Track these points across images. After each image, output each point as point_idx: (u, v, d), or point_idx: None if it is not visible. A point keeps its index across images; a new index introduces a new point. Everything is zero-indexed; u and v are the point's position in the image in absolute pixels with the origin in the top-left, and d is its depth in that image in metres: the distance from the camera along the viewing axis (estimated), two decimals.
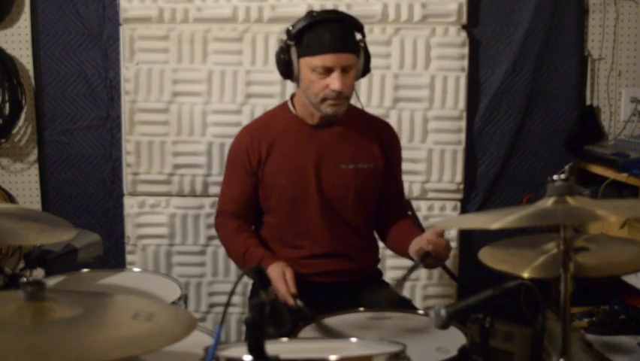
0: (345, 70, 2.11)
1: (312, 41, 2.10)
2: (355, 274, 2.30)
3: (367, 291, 2.25)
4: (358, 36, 2.18)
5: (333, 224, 2.26)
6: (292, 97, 2.31)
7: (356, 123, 2.29)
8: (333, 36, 2.09)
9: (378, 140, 2.30)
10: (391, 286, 2.12)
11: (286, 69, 2.17)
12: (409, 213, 2.40)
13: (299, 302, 2.01)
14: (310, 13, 2.13)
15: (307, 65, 2.12)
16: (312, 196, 2.23)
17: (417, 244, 2.09)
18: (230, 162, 2.33)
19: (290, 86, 2.98)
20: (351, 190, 2.26)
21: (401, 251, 2.24)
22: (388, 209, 2.37)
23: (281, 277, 2.06)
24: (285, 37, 2.15)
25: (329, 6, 2.97)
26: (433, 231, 2.07)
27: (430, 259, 2.05)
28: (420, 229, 2.29)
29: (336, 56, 2.09)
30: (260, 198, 2.30)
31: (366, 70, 2.22)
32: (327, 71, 2.10)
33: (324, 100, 2.15)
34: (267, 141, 2.25)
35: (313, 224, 2.24)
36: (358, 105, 2.34)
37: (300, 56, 2.12)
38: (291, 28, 2.13)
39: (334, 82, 2.10)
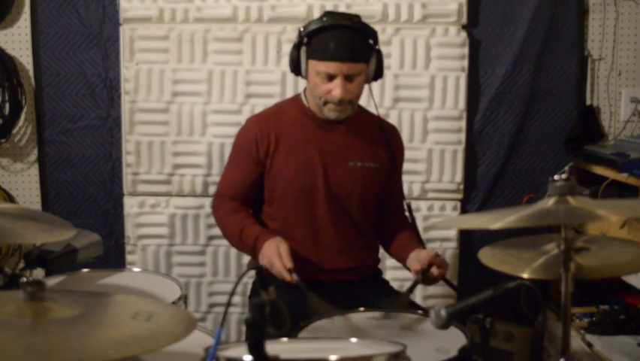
0: (349, 78, 2.13)
1: (319, 46, 2.12)
2: (356, 273, 2.31)
3: (370, 293, 2.26)
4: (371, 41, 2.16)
5: (338, 220, 2.26)
6: (305, 90, 2.31)
7: (365, 122, 2.32)
8: (339, 44, 2.09)
9: (386, 141, 2.32)
10: (401, 295, 2.13)
11: (295, 67, 2.21)
12: (408, 214, 2.41)
13: (294, 277, 2.00)
14: (322, 16, 2.13)
15: (313, 67, 2.15)
16: (319, 190, 2.24)
17: (414, 261, 2.15)
18: (236, 149, 2.33)
19: (290, 87, 2.99)
20: (357, 187, 2.26)
21: (402, 262, 2.28)
22: (389, 212, 2.38)
23: (275, 252, 2.06)
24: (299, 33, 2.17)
25: (329, 6, 2.97)
26: (431, 255, 2.11)
27: (428, 276, 2.09)
28: (417, 234, 2.34)
29: (340, 64, 2.10)
30: (265, 189, 2.29)
31: (378, 74, 2.22)
32: (331, 77, 2.13)
33: (326, 103, 2.18)
34: (277, 131, 2.25)
35: (319, 219, 2.25)
36: (372, 105, 2.36)
37: (308, 57, 2.15)
38: (302, 28, 2.15)
39: (335, 89, 2.13)
